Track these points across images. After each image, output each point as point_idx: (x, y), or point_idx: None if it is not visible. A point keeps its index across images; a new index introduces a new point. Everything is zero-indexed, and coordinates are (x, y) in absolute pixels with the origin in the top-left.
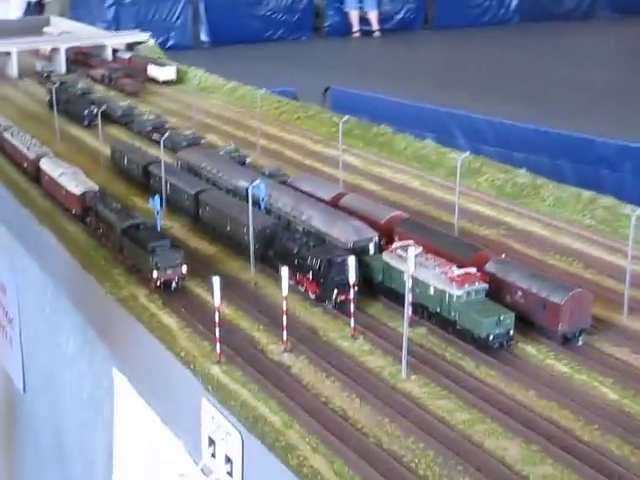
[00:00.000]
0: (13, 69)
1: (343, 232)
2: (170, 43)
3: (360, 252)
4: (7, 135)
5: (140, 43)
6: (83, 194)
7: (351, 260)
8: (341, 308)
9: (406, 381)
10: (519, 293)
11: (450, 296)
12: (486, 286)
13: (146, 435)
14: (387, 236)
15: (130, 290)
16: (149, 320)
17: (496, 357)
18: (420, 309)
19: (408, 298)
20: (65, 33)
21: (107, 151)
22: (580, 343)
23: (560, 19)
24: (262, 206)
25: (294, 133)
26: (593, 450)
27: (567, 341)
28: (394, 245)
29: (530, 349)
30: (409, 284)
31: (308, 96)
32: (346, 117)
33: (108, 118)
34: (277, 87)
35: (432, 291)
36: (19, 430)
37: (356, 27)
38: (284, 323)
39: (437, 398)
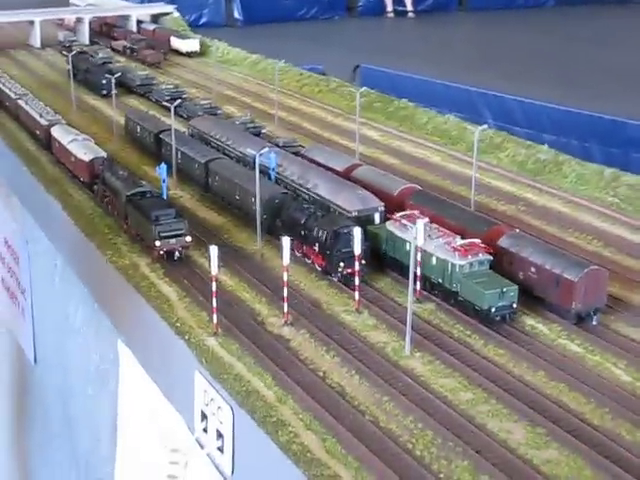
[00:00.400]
0: (36, 39)
1: (348, 201)
2: (203, 20)
3: (365, 222)
4: (21, 102)
5: (165, 14)
6: (92, 161)
7: (357, 231)
8: (347, 281)
9: (409, 358)
10: (532, 269)
11: (453, 266)
12: (490, 257)
13: (148, 409)
14: (400, 208)
15: (131, 259)
16: (148, 289)
17: (505, 335)
18: (423, 280)
19: (413, 270)
20: (91, 5)
21: (121, 120)
22: (594, 323)
23: (596, 3)
24: (272, 176)
25: (314, 106)
26: (602, 434)
27: (581, 320)
28: (398, 214)
29: (542, 328)
30: (414, 256)
31: (338, 74)
32: (363, 88)
33: (127, 88)
34: (307, 65)
35: (434, 261)
36: (29, 402)
37: (390, 7)
38: (285, 295)
39: (441, 376)
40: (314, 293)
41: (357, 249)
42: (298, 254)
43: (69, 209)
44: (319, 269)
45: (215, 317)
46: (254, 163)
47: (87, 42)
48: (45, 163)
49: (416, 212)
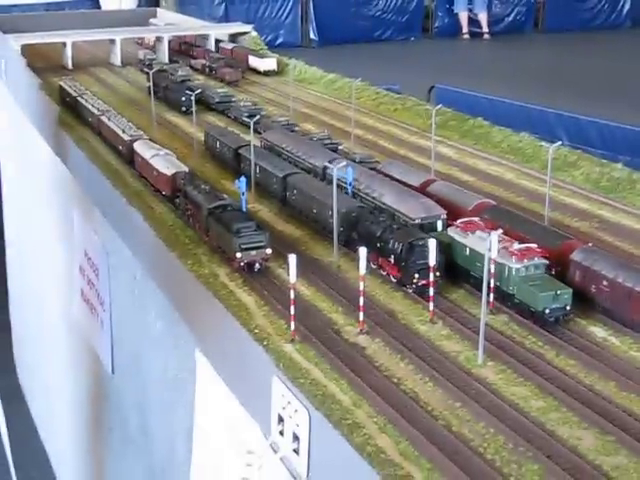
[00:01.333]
0: (117, 57)
1: (412, 209)
2: (279, 41)
3: (428, 229)
4: (104, 118)
5: (243, 34)
6: (173, 175)
7: (431, 243)
8: (422, 292)
9: (482, 366)
10: (604, 282)
11: (509, 269)
12: (546, 262)
13: (224, 415)
14: None
15: (211, 268)
16: (227, 297)
17: (577, 346)
18: (480, 282)
19: (487, 282)
20: (170, 25)
21: (201, 136)
22: None
23: None
24: (349, 190)
25: (390, 124)
26: None
27: None
28: (458, 221)
29: (614, 340)
30: (488, 269)
31: (414, 94)
32: (439, 106)
33: (206, 105)
34: (383, 84)
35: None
36: (106, 412)
37: (465, 29)
38: (360, 304)
39: (512, 384)
40: (389, 303)
41: (432, 261)
42: (373, 266)
43: (151, 221)
44: (394, 280)
45: (293, 324)
46: (324, 174)
47: (166, 60)
48: (127, 177)
49: (476, 219)
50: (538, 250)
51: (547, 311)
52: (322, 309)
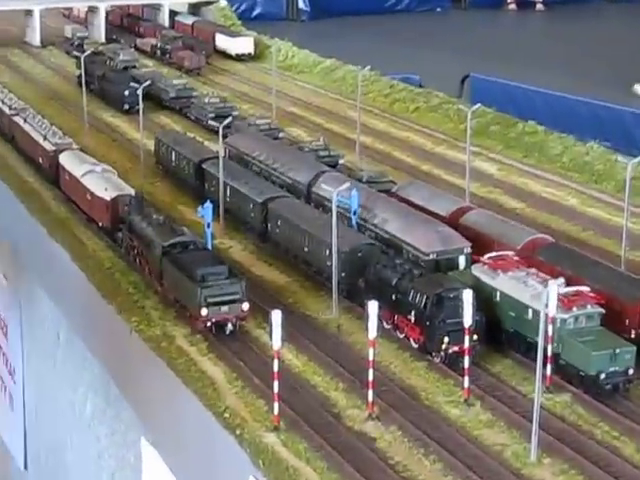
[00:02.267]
0: (35, 34)
1: (424, 239)
2: (256, 12)
3: (446, 267)
4: (19, 120)
5: (208, 4)
6: (114, 200)
7: (467, 295)
8: (454, 363)
9: (536, 465)
10: None
11: (553, 321)
12: (601, 310)
13: None
14: (525, 265)
15: (164, 328)
16: (186, 368)
17: None
18: (515, 340)
19: (543, 349)
20: None
21: (151, 145)
22: None
23: None
24: (354, 220)
25: (409, 129)
26: None
27: None
28: (486, 256)
29: None
30: (544, 330)
31: (440, 87)
32: (477, 106)
33: (157, 102)
34: (398, 73)
35: (531, 314)
36: None
37: None
38: (370, 379)
39: None
40: (408, 378)
41: (467, 319)
42: (387, 325)
43: (81, 261)
44: (415, 346)
45: (276, 407)
46: (309, 194)
47: (103, 39)
48: (48, 200)
49: (510, 253)
50: (591, 295)
51: (602, 376)
52: (317, 385)
